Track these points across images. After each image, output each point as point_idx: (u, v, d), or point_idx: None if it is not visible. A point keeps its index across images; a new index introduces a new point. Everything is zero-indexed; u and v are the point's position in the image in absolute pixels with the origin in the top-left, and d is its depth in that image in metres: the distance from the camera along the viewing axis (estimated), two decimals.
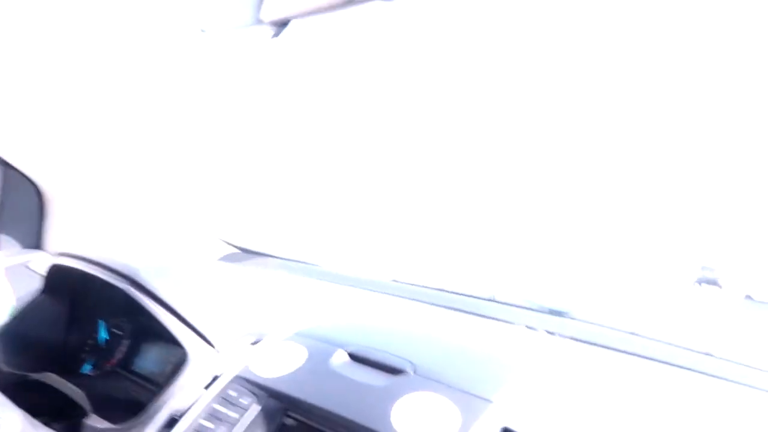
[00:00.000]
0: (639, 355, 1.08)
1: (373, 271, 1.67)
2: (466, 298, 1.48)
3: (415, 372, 0.75)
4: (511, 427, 0.63)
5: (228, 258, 1.77)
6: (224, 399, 0.79)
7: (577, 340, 1.14)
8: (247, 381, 0.81)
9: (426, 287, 1.61)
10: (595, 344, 1.14)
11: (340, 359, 0.82)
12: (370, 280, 1.65)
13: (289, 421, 0.75)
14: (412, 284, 1.65)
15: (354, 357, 0.82)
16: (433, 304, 1.35)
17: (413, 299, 1.39)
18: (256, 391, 0.78)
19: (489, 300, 1.43)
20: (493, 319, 1.26)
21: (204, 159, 1.73)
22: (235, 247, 1.82)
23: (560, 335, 1.14)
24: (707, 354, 1.13)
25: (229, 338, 0.93)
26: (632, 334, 1.23)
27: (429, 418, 0.65)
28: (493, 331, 1.08)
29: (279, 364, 0.83)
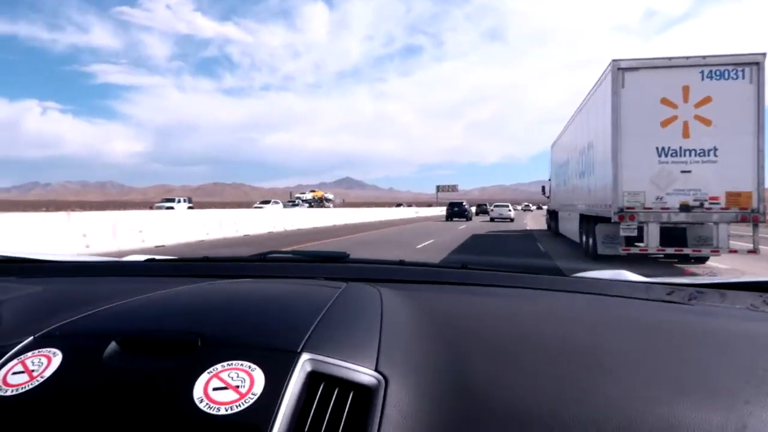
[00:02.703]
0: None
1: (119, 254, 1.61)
2: (233, 263, 1.55)
3: (204, 343, 0.65)
4: (317, 369, 0.60)
5: None
6: None
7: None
8: None
9: (188, 260, 1.62)
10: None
11: (108, 352, 0.65)
12: (122, 263, 1.54)
13: None
14: (172, 260, 1.64)
15: (127, 345, 0.66)
16: (202, 276, 1.29)
17: (178, 275, 1.31)
18: None
19: (259, 260, 1.51)
20: (269, 276, 1.29)
21: None
22: None
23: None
24: None
25: None
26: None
27: (229, 387, 0.57)
28: (274, 287, 1.07)
29: (20, 381, 0.61)
